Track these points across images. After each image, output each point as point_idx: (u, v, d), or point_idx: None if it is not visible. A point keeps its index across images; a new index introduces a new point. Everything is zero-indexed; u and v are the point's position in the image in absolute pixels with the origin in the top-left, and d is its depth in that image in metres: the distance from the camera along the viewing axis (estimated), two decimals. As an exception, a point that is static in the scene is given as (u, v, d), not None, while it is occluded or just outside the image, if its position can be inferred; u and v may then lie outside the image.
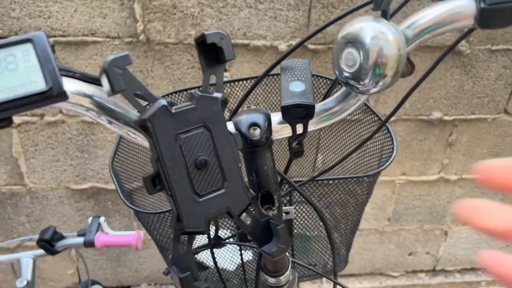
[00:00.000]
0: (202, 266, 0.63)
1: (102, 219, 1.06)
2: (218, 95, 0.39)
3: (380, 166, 0.67)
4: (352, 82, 0.39)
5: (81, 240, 1.02)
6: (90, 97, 0.37)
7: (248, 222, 0.41)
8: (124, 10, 1.12)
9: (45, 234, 1.01)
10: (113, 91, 0.34)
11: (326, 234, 0.80)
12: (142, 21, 1.13)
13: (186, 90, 0.87)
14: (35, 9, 1.09)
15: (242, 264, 0.73)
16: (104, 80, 0.34)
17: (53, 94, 0.32)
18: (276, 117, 0.46)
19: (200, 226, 0.38)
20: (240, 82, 0.91)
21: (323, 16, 1.16)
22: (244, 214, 0.41)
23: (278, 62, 0.46)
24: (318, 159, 1.03)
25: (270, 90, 0.82)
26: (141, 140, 0.43)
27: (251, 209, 0.41)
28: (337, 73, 0.40)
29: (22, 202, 1.37)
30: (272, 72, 0.56)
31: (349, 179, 0.62)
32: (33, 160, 1.31)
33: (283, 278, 0.58)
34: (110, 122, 0.39)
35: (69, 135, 1.28)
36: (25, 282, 0.97)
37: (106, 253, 1.49)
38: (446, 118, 1.33)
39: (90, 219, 1.07)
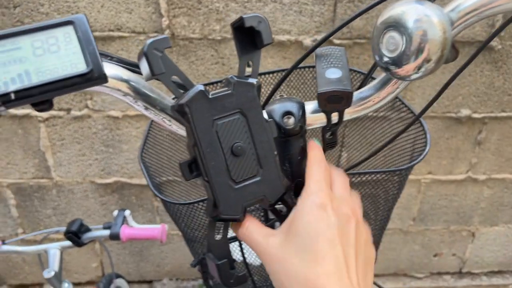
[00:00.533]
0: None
1: (127, 212, 1.07)
2: (253, 80, 0.38)
3: (412, 162, 0.66)
4: (392, 67, 0.37)
5: (106, 232, 1.03)
6: (127, 81, 0.37)
7: (283, 212, 0.40)
8: (150, 6, 1.13)
9: (72, 226, 1.03)
10: (153, 74, 0.33)
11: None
12: (167, 16, 1.14)
13: (212, 83, 0.87)
14: (63, 4, 1.11)
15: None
16: (143, 63, 0.34)
17: (93, 76, 0.32)
18: (310, 105, 0.45)
19: (237, 213, 0.37)
20: (266, 76, 0.91)
21: (349, 11, 1.15)
22: (279, 203, 0.40)
23: (310, 52, 0.45)
24: (343, 157, 1.02)
25: (300, 83, 0.81)
26: (176, 127, 0.42)
27: (286, 199, 0.40)
28: (376, 58, 0.38)
29: (49, 195, 1.40)
30: (301, 65, 0.55)
31: (381, 173, 0.60)
32: (59, 154, 1.33)
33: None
34: (146, 108, 0.39)
35: (94, 130, 1.30)
36: (52, 273, 0.98)
37: (129, 247, 1.51)
38: (475, 115, 1.30)
39: (115, 212, 1.08)
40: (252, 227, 0.37)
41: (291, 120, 0.43)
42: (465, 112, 1.29)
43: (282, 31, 1.17)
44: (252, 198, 0.38)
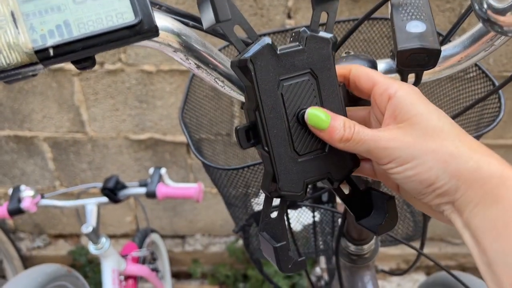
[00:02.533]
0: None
1: (163, 170, 1.05)
2: (329, 35, 0.32)
3: (479, 129, 0.59)
4: (496, 17, 0.31)
5: (143, 190, 1.02)
6: (178, 35, 0.32)
7: (347, 191, 0.36)
8: (186, -49, 1.05)
9: (109, 182, 1.02)
10: (217, 20, 0.28)
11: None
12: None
13: (271, 33, 0.80)
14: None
15: (314, 228, 0.69)
16: (207, 7, 0.28)
17: (143, 29, 0.27)
18: (383, 65, 0.39)
19: (297, 190, 0.32)
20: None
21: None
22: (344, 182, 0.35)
23: (385, 0, 0.38)
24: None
25: (371, 37, 0.73)
26: (229, 89, 0.37)
27: (352, 177, 0.35)
28: (476, 6, 0.32)
29: (84, 150, 1.40)
30: (373, 16, 0.48)
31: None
32: (93, 109, 1.31)
33: (366, 247, 0.53)
34: (198, 67, 0.34)
35: (128, 84, 1.26)
36: (90, 228, 0.99)
37: (163, 203, 1.51)
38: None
39: (151, 170, 1.06)
40: (360, 127, 0.32)
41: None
42: (524, 71, 1.18)
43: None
44: (316, 174, 0.33)
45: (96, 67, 1.23)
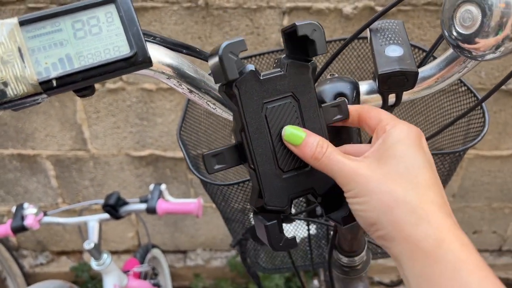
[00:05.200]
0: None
1: (163, 186, 1.07)
2: (308, 62, 0.35)
3: (466, 142, 0.61)
4: (465, 45, 0.33)
5: (143, 206, 1.04)
6: (171, 64, 0.34)
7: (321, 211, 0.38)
8: (184, -26, 1.08)
9: (110, 199, 1.04)
10: (226, 79, 0.31)
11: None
12: (202, -15, 1.09)
13: (250, 57, 0.84)
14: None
15: (309, 241, 0.71)
16: (216, 66, 0.31)
17: (138, 60, 0.30)
18: (365, 86, 0.42)
19: (282, 205, 0.35)
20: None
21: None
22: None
23: (368, 24, 0.41)
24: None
25: (360, 55, 0.76)
26: (220, 111, 0.40)
27: (336, 190, 0.37)
28: (446, 33, 0.34)
29: (86, 167, 1.42)
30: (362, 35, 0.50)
31: (435, 155, 0.56)
32: (95, 127, 1.34)
33: (357, 259, 0.55)
34: (190, 91, 0.37)
35: (129, 102, 1.29)
36: (92, 245, 1.00)
37: (164, 218, 1.53)
38: (527, 88, 1.21)
39: (151, 186, 1.08)
40: (333, 150, 0.33)
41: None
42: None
43: (320, -1, 1.11)
44: (300, 189, 0.35)
45: (98, 86, 1.26)
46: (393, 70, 0.37)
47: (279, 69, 0.35)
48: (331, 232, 0.59)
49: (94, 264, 1.06)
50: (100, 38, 0.29)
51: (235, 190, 0.63)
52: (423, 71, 0.40)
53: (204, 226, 1.56)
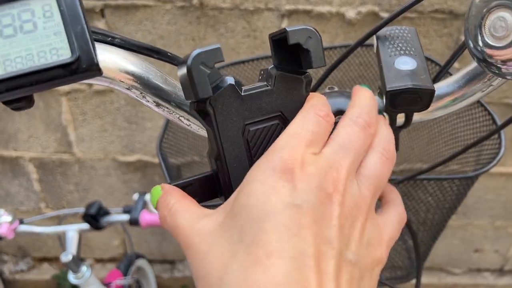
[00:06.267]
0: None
1: (148, 196, 1.01)
2: (302, 74, 0.29)
3: (478, 166, 0.55)
4: (493, 60, 0.27)
5: (126, 217, 0.98)
6: (133, 71, 0.28)
7: None
8: (177, -29, 1.02)
9: (91, 209, 0.98)
10: (196, 97, 0.25)
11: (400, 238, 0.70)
12: (196, -17, 1.03)
13: (242, 62, 0.77)
14: (84, -31, 1.02)
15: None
16: (185, 81, 0.25)
17: (81, 68, 0.23)
18: (369, 103, 0.36)
19: None
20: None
21: (400, -20, 1.01)
22: None
23: (375, 31, 0.35)
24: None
25: (364, 62, 0.69)
26: (196, 127, 0.33)
27: None
28: (470, 44, 0.28)
29: (71, 171, 1.36)
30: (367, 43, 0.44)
31: (439, 180, 0.50)
32: (81, 129, 1.27)
33: None
34: (157, 105, 0.30)
35: (117, 105, 1.23)
36: (70, 257, 0.94)
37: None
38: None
39: (135, 196, 1.02)
40: (178, 204, 0.25)
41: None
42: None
43: (322, 2, 1.05)
44: None
45: (84, 87, 1.20)
46: (405, 87, 0.30)
47: (265, 82, 0.28)
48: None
49: (71, 278, 0.99)
50: (34, 37, 0.23)
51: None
52: (438, 88, 0.34)
53: (194, 236, 1.49)
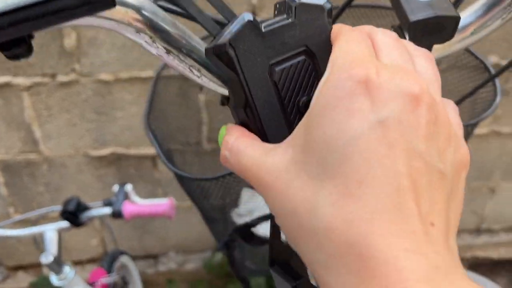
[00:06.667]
0: (262, 241, 0.53)
1: (129, 186, 0.96)
2: (321, 1, 0.26)
3: (474, 116, 0.55)
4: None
5: (108, 210, 0.93)
6: (142, 11, 0.25)
7: None
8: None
9: (69, 205, 0.92)
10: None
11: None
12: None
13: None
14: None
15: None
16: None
17: (93, -3, 0.20)
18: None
19: None
20: None
21: None
22: None
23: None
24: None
25: (378, 25, 0.67)
26: (207, 80, 0.31)
27: None
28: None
29: (40, 171, 1.28)
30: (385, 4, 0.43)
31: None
32: (47, 126, 1.20)
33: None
34: (168, 52, 0.27)
35: (84, 96, 1.16)
36: (51, 258, 0.88)
37: (131, 221, 1.41)
38: (504, 62, 1.18)
39: (116, 187, 0.97)
40: (239, 142, 0.23)
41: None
42: (492, 59, 1.18)
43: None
44: None
45: (47, 79, 1.12)
46: (429, 16, 0.29)
47: (284, 15, 0.26)
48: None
49: (54, 280, 0.94)
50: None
51: (213, 185, 0.54)
52: (464, 16, 0.32)
53: (175, 227, 1.45)
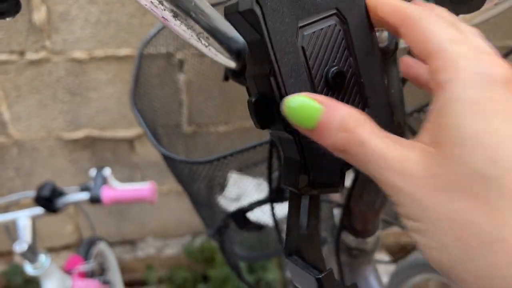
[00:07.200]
0: (257, 226, 0.51)
1: (107, 170, 0.92)
2: None
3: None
4: None
5: (86, 195, 0.88)
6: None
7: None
8: None
9: (43, 190, 0.87)
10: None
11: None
12: None
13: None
14: None
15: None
16: None
17: None
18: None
19: (335, 180, 0.24)
20: None
21: None
22: None
23: None
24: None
25: None
26: (215, 51, 0.27)
27: None
28: None
29: (9, 155, 1.21)
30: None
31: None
32: (17, 107, 1.13)
33: (370, 240, 0.46)
34: (175, 15, 0.24)
35: (56, 76, 1.10)
36: (25, 246, 0.83)
37: (108, 206, 1.36)
38: None
39: (92, 171, 0.92)
40: (368, 131, 0.20)
41: (385, 33, 0.29)
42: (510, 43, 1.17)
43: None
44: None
45: (15, 57, 1.05)
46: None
47: None
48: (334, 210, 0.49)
49: (29, 269, 0.89)
50: None
51: (206, 169, 0.51)
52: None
53: (154, 212, 1.41)
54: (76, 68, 1.09)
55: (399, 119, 0.30)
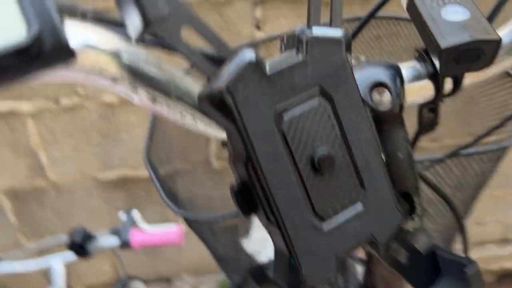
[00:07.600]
0: (277, 285, 0.48)
1: (135, 213, 0.92)
2: (338, 33, 0.22)
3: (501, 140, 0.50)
4: None
5: (115, 241, 0.89)
6: (118, 55, 0.21)
7: (403, 255, 0.25)
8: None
9: (76, 236, 0.89)
10: (147, 21, 0.17)
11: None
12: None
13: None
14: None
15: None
16: (130, 5, 0.18)
17: (43, 52, 0.16)
18: (408, 70, 0.29)
19: (329, 272, 0.22)
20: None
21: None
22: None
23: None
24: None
25: (379, 35, 0.63)
26: (203, 125, 0.26)
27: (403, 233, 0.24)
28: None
29: (47, 198, 1.25)
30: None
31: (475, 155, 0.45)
32: (53, 151, 1.17)
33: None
34: (153, 100, 0.23)
35: (89, 121, 1.14)
36: (58, 292, 0.85)
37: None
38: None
39: (122, 215, 0.93)
40: None
41: (386, 96, 0.27)
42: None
43: (296, -15, 0.98)
44: (352, 242, 0.22)
45: (51, 104, 1.10)
46: (465, 41, 0.24)
47: (294, 52, 0.21)
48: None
49: (63, 314, 0.90)
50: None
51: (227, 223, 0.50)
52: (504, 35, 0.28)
53: (188, 248, 1.40)
54: (107, 111, 1.12)
55: (408, 186, 0.28)
